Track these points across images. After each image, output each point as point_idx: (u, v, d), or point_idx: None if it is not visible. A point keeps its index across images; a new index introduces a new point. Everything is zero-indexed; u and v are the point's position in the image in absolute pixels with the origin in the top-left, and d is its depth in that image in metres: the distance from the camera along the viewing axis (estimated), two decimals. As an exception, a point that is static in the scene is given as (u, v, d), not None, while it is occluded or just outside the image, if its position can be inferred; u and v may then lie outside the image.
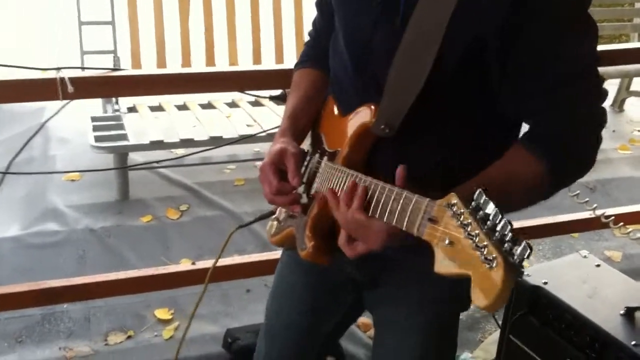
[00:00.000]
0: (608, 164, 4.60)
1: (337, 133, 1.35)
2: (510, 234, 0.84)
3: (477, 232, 0.86)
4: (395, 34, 1.18)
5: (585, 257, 2.17)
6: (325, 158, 1.37)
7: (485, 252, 0.84)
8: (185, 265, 2.46)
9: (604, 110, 1.22)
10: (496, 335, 2.47)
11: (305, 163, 1.43)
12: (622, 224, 2.58)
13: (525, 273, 2.04)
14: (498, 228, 0.86)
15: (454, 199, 0.93)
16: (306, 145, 1.49)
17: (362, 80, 1.31)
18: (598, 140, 1.23)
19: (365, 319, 2.86)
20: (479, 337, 2.84)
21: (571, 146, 1.20)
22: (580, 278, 2.04)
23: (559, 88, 1.15)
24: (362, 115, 1.27)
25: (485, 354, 2.62)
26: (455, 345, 1.56)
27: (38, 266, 3.11)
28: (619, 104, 5.62)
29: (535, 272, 2.06)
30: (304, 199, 1.39)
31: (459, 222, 0.90)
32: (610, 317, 1.85)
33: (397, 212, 1.05)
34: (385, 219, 1.08)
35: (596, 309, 1.88)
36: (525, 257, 0.83)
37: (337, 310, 1.58)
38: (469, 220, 0.89)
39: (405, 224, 1.02)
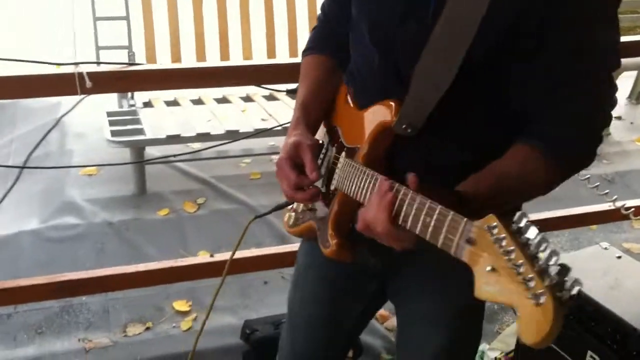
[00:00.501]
0: (626, 156, 4.57)
1: (355, 128, 1.33)
2: (557, 266, 0.80)
3: (521, 261, 0.82)
4: (424, 29, 1.15)
5: (605, 248, 2.17)
6: (344, 154, 1.35)
7: (532, 286, 0.80)
8: (203, 258, 2.47)
9: (613, 106, 1.22)
10: (514, 327, 2.47)
11: (322, 155, 1.42)
12: (642, 215, 2.57)
13: (545, 264, 2.03)
14: (542, 256, 0.81)
15: (493, 221, 0.88)
16: (320, 135, 1.47)
17: (385, 75, 1.28)
18: (602, 138, 1.22)
19: (382, 310, 2.86)
20: (496, 328, 2.83)
21: (579, 146, 1.20)
22: (601, 270, 2.03)
23: (573, 86, 1.14)
24: (383, 113, 1.24)
25: (503, 346, 2.61)
26: (481, 331, 1.54)
27: (57, 259, 3.13)
28: (636, 96, 5.57)
29: (556, 263, 2.05)
30: (323, 191, 1.37)
31: (501, 248, 0.86)
32: (631, 308, 1.85)
33: (431, 227, 1.01)
34: (417, 231, 1.04)
35: (617, 300, 1.87)
36: (574, 293, 0.79)
37: (359, 301, 1.56)
38: (512, 247, 0.84)
39: (440, 241, 0.99)
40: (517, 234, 0.86)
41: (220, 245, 3.30)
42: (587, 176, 2.43)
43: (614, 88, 1.20)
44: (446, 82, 1.14)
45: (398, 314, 1.54)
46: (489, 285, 0.87)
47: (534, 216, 2.85)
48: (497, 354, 2.60)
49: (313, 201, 1.35)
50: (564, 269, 0.80)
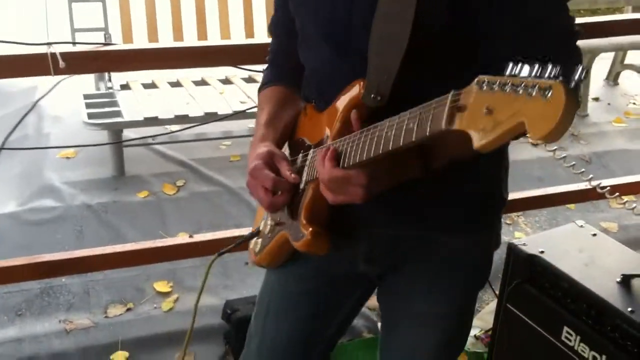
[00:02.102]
0: (603, 136, 4.62)
1: (321, 126, 1.31)
2: (557, 68, 0.77)
3: (519, 82, 0.78)
4: (371, 3, 1.16)
5: (581, 226, 2.19)
6: (312, 150, 1.32)
7: (536, 89, 0.75)
8: (183, 238, 2.47)
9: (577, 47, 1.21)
10: (493, 305, 2.50)
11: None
12: (617, 194, 2.60)
13: (522, 242, 2.06)
14: (543, 72, 0.78)
15: (482, 78, 0.84)
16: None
17: (348, 63, 1.27)
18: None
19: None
20: (476, 307, 2.87)
21: None
22: (576, 247, 2.06)
23: (531, 29, 1.14)
24: (350, 92, 1.24)
25: (482, 324, 2.64)
26: (472, 322, 1.57)
27: (36, 242, 3.11)
28: (613, 77, 5.62)
29: (532, 241, 2.08)
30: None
31: (495, 87, 0.81)
32: (606, 284, 1.87)
33: (416, 126, 0.97)
34: (401, 143, 1.00)
35: (593, 276, 1.90)
36: (581, 77, 0.75)
37: (342, 308, 1.53)
38: (507, 80, 0.80)
39: (428, 128, 0.93)
40: (511, 76, 0.81)
41: (200, 227, 3.30)
42: (563, 155, 2.46)
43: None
44: (402, 47, 1.13)
45: (386, 315, 1.52)
46: (486, 129, 0.82)
47: (512, 195, 2.88)
48: (476, 331, 2.64)
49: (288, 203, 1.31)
50: (563, 67, 0.77)
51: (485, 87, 0.83)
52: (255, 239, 1.49)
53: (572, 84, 0.75)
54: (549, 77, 0.77)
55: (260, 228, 1.46)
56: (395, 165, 1.14)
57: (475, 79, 0.85)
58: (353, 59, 1.24)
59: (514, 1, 1.14)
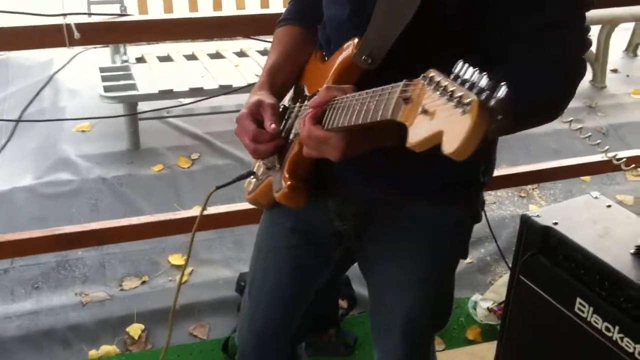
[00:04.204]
0: (621, 108, 4.56)
1: (319, 77, 1.33)
2: (490, 81, 0.77)
3: (454, 88, 0.78)
4: None
5: (596, 198, 2.17)
6: (306, 102, 1.33)
7: (461, 100, 0.76)
8: (197, 211, 2.48)
9: (583, 61, 1.20)
10: (506, 277, 2.49)
11: (286, 117, 1.40)
12: (633, 165, 2.57)
13: (535, 214, 2.05)
14: (479, 81, 0.78)
15: (431, 72, 0.85)
16: (287, 101, 1.46)
17: (358, 20, 1.27)
18: (570, 88, 1.20)
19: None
20: (489, 279, 2.87)
21: (538, 95, 1.16)
22: (590, 218, 2.04)
23: (541, 31, 1.14)
24: (345, 51, 1.24)
25: (495, 296, 2.64)
26: (453, 291, 1.57)
27: (52, 215, 3.14)
28: (633, 49, 5.53)
29: (546, 212, 2.06)
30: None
31: (437, 89, 0.82)
32: (620, 256, 1.86)
33: (373, 107, 0.99)
34: (367, 120, 1.01)
35: (606, 248, 1.88)
36: (503, 99, 0.75)
37: (324, 268, 1.56)
38: (446, 83, 0.81)
39: (380, 113, 0.96)
40: (456, 77, 0.81)
41: (215, 200, 3.28)
42: (579, 127, 2.43)
43: (585, 33, 1.19)
44: (407, 16, 1.12)
45: (368, 283, 1.55)
46: (418, 127, 0.83)
47: (527, 167, 2.86)
48: (489, 304, 2.64)
49: (276, 152, 1.33)
50: (496, 82, 0.77)
51: (433, 85, 0.83)
52: (249, 180, 1.54)
53: (492, 102, 0.75)
54: (478, 89, 0.77)
55: (255, 169, 1.50)
56: (372, 131, 1.13)
57: (425, 74, 0.86)
58: (365, 16, 1.23)
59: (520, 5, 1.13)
